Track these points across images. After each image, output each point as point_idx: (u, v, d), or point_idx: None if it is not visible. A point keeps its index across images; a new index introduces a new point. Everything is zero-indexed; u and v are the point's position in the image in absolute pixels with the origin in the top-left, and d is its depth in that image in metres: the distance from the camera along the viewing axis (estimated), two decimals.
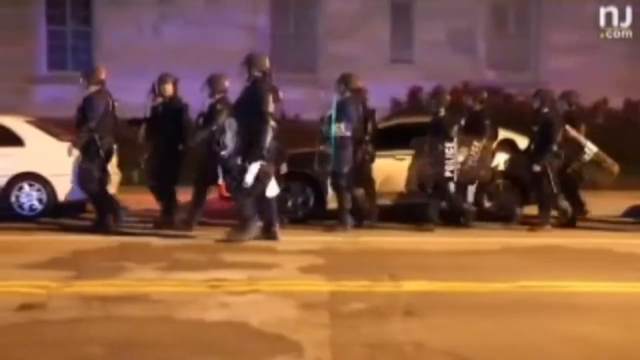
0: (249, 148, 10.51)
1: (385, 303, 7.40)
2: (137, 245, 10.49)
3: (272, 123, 10.58)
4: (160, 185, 12.04)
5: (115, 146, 11.79)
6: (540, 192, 12.31)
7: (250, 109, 10.57)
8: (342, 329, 6.60)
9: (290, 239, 11.03)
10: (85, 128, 11.38)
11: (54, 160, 12.59)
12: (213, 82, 11.78)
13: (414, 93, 21.24)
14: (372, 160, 12.36)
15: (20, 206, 12.71)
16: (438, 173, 12.07)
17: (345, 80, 12.02)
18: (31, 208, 12.74)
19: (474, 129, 12.49)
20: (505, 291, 8.01)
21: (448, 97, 12.44)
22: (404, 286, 8.14)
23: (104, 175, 11.59)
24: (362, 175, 12.25)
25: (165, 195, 11.99)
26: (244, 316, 6.91)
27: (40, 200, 12.73)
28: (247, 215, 10.75)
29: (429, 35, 23.12)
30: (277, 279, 8.53)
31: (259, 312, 7.10)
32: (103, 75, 11.73)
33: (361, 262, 9.68)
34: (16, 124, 13.06)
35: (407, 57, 23.43)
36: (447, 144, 12.01)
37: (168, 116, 11.97)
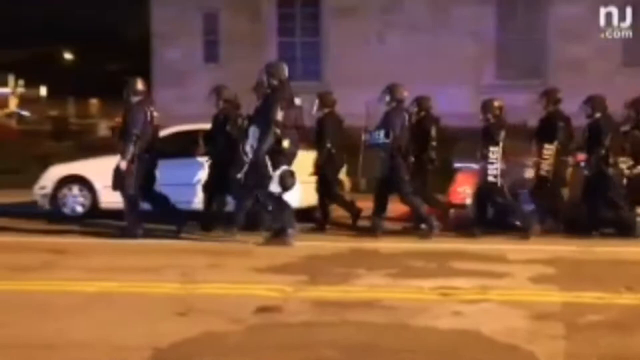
0: (271, 156, 10.79)
1: (624, 315, 7.12)
2: (366, 252, 10.62)
3: (277, 130, 10.78)
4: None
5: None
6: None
7: (262, 117, 10.92)
8: (578, 341, 6.41)
9: (520, 247, 10.84)
10: (129, 138, 11.50)
11: None
12: (392, 91, 12.02)
13: None
14: (433, 167, 12.69)
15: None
16: (481, 178, 11.88)
17: (390, 91, 12.07)
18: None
19: (546, 132, 12.10)
20: None
21: (496, 104, 12.06)
22: None
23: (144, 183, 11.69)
24: (419, 182, 12.38)
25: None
26: (476, 325, 6.85)
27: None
28: (281, 224, 11.02)
29: None
30: (509, 288, 8.41)
31: (491, 321, 7.02)
32: (141, 86, 11.95)
33: (594, 272, 9.36)
34: None
35: None
36: (492, 148, 11.76)
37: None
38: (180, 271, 9.15)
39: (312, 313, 7.38)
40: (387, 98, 12.02)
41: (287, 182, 10.84)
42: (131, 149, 11.46)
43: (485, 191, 11.87)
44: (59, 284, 8.54)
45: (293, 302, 7.76)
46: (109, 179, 11.84)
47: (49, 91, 59.60)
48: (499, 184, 11.74)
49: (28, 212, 13.22)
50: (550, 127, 12.04)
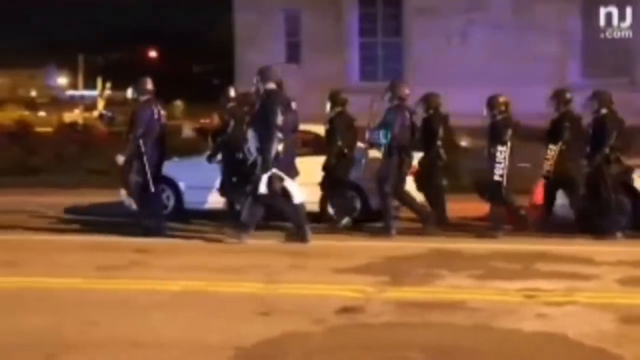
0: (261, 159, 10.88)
1: None
2: (448, 252, 10.53)
3: (280, 135, 10.79)
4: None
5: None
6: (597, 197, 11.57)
7: (262, 121, 10.91)
8: None
9: (608, 249, 10.62)
10: (131, 136, 11.71)
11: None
12: (394, 89, 12.02)
13: None
14: (444, 165, 12.48)
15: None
16: (489, 177, 11.72)
17: (392, 89, 12.02)
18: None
19: (554, 133, 11.93)
20: None
21: (501, 100, 11.93)
22: None
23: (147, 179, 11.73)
24: (426, 181, 12.42)
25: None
26: (561, 327, 6.75)
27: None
28: (247, 221, 11.11)
29: None
30: (596, 290, 8.25)
31: (577, 323, 6.90)
32: (149, 86, 12.10)
33: None
34: None
35: None
36: (500, 148, 11.61)
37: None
38: (263, 271, 9.22)
39: (394, 314, 7.36)
40: (389, 96, 11.98)
41: (275, 185, 10.91)
42: (133, 147, 11.67)
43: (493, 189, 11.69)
44: (145, 283, 8.69)
45: (375, 303, 7.75)
46: (193, 180, 12.01)
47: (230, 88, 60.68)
48: (504, 183, 11.60)
49: (116, 212, 13.46)
50: (558, 128, 11.92)
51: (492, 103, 11.93)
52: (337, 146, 12.41)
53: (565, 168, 11.81)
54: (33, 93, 69.17)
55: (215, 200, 12.81)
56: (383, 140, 11.80)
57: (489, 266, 9.53)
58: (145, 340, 6.58)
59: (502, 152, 11.61)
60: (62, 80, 73.14)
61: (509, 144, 11.65)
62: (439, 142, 12.46)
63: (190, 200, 13.33)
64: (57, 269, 9.51)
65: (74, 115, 56.44)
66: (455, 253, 10.51)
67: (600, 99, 11.79)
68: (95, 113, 60.31)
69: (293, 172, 11.22)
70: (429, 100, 12.74)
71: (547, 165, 11.91)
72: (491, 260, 9.85)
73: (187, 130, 35.04)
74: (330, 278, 8.94)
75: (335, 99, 12.74)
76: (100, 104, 62.82)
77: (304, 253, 10.48)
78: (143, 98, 12.06)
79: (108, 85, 65.58)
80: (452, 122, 12.82)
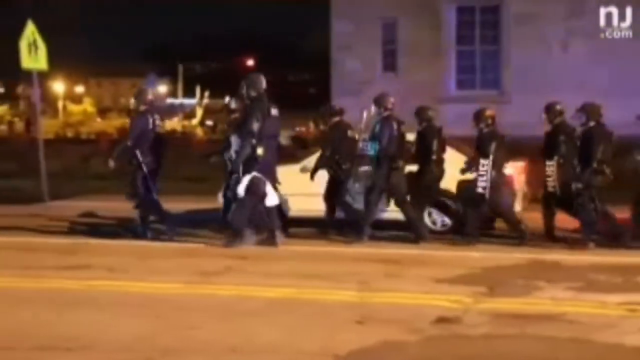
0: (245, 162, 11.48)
1: None
2: (547, 264, 10.35)
3: (253, 141, 11.38)
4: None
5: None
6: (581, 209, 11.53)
7: (243, 128, 11.58)
8: None
9: None
10: (123, 144, 12.59)
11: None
12: (380, 101, 12.24)
13: None
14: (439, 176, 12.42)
15: (433, 222, 13.05)
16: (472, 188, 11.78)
17: (378, 101, 12.28)
18: (443, 224, 13.05)
19: (550, 147, 11.87)
20: None
21: (488, 113, 12.01)
22: None
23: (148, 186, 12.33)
24: (418, 191, 12.32)
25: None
26: None
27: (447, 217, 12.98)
28: (237, 226, 11.58)
29: None
30: None
31: None
32: (150, 97, 13.21)
33: None
34: None
35: None
36: (482, 161, 11.70)
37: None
38: (358, 279, 9.21)
39: (491, 325, 7.27)
40: (376, 109, 12.23)
41: (255, 187, 11.42)
42: (124, 153, 12.44)
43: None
44: (241, 289, 8.78)
45: (472, 314, 7.67)
46: (290, 187, 12.15)
47: (231, 98, 61.59)
48: (487, 196, 11.66)
49: (213, 218, 13.63)
50: (553, 141, 11.83)
51: (478, 116, 12.03)
52: (326, 155, 12.64)
53: (568, 182, 11.62)
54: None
55: (316, 208, 12.89)
56: (371, 152, 12.06)
57: (588, 278, 9.32)
58: (243, 346, 6.64)
59: (485, 165, 11.70)
60: (162, 88, 74.66)
61: (491, 157, 11.69)
62: (433, 157, 12.35)
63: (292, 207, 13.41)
64: (156, 275, 9.69)
65: (174, 123, 57.54)
66: (553, 264, 10.33)
67: (589, 111, 11.70)
68: (194, 121, 61.48)
69: (272, 176, 11.69)
70: (420, 114, 12.59)
71: (552, 181, 11.81)
72: (590, 272, 9.64)
73: (283, 139, 35.35)
74: (426, 287, 8.88)
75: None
76: (199, 112, 64.00)
77: (399, 261, 10.45)
78: (142, 108, 12.74)
79: (206, 93, 66.75)
80: None
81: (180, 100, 73.22)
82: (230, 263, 10.34)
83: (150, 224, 12.62)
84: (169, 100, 73.81)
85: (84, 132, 55.14)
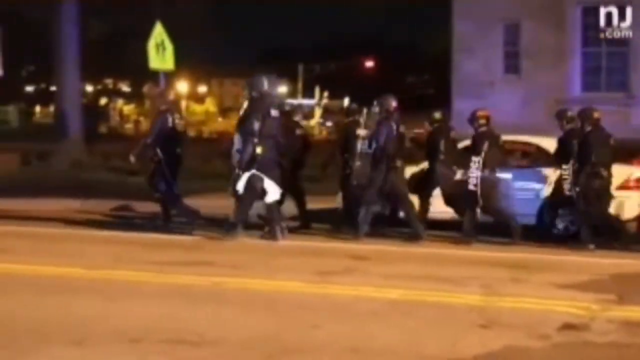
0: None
1: None
2: None
3: (255, 140, 11.91)
4: None
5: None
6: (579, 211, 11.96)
7: (244, 127, 12.12)
8: None
9: None
10: (143, 141, 13.23)
11: None
12: (382, 103, 12.74)
13: None
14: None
15: (555, 226, 12.78)
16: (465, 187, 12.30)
17: (380, 103, 12.74)
18: (566, 229, 12.77)
19: (563, 152, 12.17)
20: None
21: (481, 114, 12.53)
22: None
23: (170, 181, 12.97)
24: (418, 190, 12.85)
25: None
26: None
27: (572, 222, 12.67)
28: (237, 218, 12.10)
29: None
30: None
31: None
32: (171, 97, 14.02)
33: None
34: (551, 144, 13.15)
35: None
36: (474, 158, 12.20)
37: None
38: (481, 283, 9.10)
39: (620, 333, 7.05)
40: (377, 109, 12.79)
41: (254, 184, 11.93)
42: (145, 150, 13.13)
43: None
44: (362, 290, 8.76)
45: (600, 321, 7.46)
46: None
47: (351, 102, 61.84)
48: (478, 192, 12.10)
49: (329, 218, 13.69)
50: (566, 146, 12.11)
51: (473, 117, 12.57)
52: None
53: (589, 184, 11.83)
54: None
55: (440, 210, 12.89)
56: (369, 150, 12.62)
57: None
58: (364, 347, 6.62)
59: (476, 162, 12.19)
60: (283, 88, 75.51)
61: (483, 154, 12.14)
62: (441, 157, 12.86)
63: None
64: (278, 272, 9.78)
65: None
66: None
67: (584, 116, 12.05)
68: (313, 121, 61.89)
69: (272, 173, 12.12)
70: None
71: (568, 184, 12.02)
72: None
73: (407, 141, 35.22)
74: (552, 293, 8.69)
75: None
76: (318, 113, 64.40)
77: (525, 266, 10.28)
78: (163, 107, 13.38)
79: (325, 94, 67.13)
80: None
81: (299, 100, 73.85)
82: (350, 263, 10.35)
83: (170, 218, 13.30)
84: (289, 101, 74.40)
85: (206, 131, 56.23)
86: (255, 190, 12.01)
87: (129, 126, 60.18)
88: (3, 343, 6.57)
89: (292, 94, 70.69)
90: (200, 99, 75.20)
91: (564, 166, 12.09)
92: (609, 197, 11.96)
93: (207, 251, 11.33)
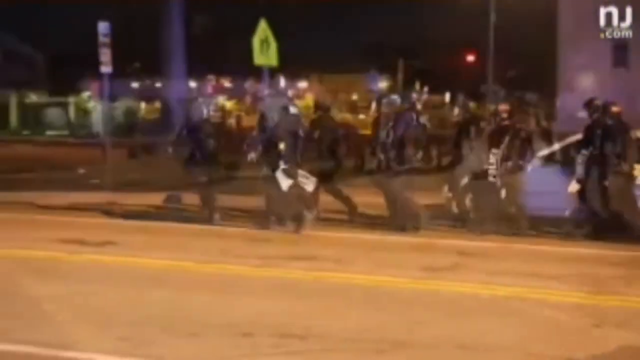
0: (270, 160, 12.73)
1: None
2: None
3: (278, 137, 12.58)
4: None
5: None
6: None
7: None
8: None
9: None
10: (179, 133, 13.79)
11: None
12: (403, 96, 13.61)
13: None
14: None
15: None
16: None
17: (403, 96, 13.74)
18: None
19: (586, 140, 12.17)
20: None
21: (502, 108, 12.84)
22: None
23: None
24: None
25: None
26: None
27: None
28: (268, 211, 12.77)
29: None
30: None
31: None
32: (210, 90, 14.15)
33: None
34: None
35: None
36: (494, 151, 12.53)
37: None
38: (589, 281, 8.94)
39: None
40: (398, 102, 13.26)
41: (290, 176, 12.53)
42: (176, 141, 13.70)
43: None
44: (469, 286, 8.70)
45: None
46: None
47: (452, 97, 61.30)
48: (498, 183, 12.36)
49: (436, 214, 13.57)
50: (590, 135, 12.13)
51: (495, 112, 13.12)
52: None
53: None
54: (354, 96, 71.85)
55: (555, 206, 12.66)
56: (387, 140, 12.80)
57: None
58: (472, 343, 6.58)
59: (495, 155, 12.46)
60: (383, 84, 75.37)
61: (502, 147, 12.40)
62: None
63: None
64: (382, 267, 9.77)
65: None
66: None
67: (604, 110, 12.07)
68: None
69: (294, 167, 12.63)
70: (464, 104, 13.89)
71: (580, 169, 12.08)
72: None
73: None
74: None
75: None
76: (418, 107, 64.07)
77: (627, 264, 10.07)
78: (200, 100, 14.97)
79: (425, 89, 66.74)
80: None
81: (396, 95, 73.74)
82: (457, 259, 10.28)
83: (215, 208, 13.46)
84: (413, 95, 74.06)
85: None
86: (294, 181, 12.62)
87: (232, 121, 60.93)
88: (126, 334, 6.76)
89: (392, 89, 70.53)
90: (300, 95, 75.69)
91: (583, 151, 12.15)
92: (631, 190, 11.90)
93: (308, 245, 11.38)
